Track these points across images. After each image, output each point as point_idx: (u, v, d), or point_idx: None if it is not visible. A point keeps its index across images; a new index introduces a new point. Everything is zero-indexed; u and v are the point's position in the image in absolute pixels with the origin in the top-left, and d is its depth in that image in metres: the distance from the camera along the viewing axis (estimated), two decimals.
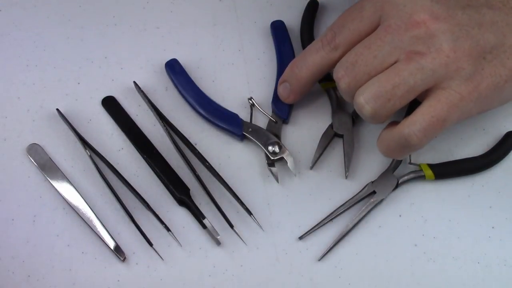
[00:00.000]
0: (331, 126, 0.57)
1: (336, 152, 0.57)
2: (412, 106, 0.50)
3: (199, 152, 0.56)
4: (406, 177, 0.55)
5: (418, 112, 0.48)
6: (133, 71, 0.60)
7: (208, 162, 0.56)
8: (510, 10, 0.50)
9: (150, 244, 0.52)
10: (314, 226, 0.54)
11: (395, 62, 0.48)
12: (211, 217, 0.54)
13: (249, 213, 0.53)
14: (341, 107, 0.58)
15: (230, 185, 0.55)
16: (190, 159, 0.56)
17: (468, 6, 0.49)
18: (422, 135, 0.48)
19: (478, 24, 0.49)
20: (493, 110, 0.58)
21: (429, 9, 0.48)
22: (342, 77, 0.50)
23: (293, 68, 0.55)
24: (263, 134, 0.57)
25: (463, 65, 0.48)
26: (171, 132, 0.57)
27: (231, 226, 0.53)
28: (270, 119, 0.58)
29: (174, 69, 0.59)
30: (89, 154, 0.55)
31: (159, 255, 0.52)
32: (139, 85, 0.58)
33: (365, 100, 0.49)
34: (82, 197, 0.54)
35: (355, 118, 0.58)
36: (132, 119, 0.58)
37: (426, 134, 0.48)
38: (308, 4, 0.62)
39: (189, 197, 0.54)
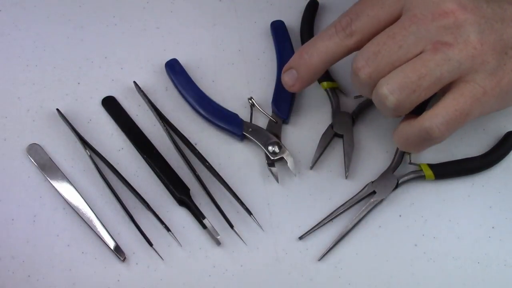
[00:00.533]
0: (331, 126, 0.57)
1: (336, 152, 0.57)
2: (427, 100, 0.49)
3: (199, 152, 0.56)
4: (406, 177, 0.55)
5: (441, 105, 0.47)
6: (133, 71, 0.60)
7: (208, 162, 0.56)
8: None
9: (150, 244, 0.52)
10: (314, 226, 0.54)
11: (420, 53, 0.47)
12: (211, 217, 0.54)
13: (249, 213, 0.54)
14: (341, 107, 0.58)
15: (230, 185, 0.55)
16: (190, 159, 0.56)
17: (492, 0, 0.49)
18: (444, 128, 0.47)
19: (501, 18, 0.48)
20: None
21: (457, 0, 0.48)
22: (363, 67, 0.48)
23: (302, 54, 0.52)
24: (263, 134, 0.57)
25: (488, 59, 0.47)
26: (171, 132, 0.57)
27: (231, 226, 0.53)
28: (270, 119, 0.58)
29: (174, 69, 0.59)
30: (89, 154, 0.55)
31: (159, 255, 0.52)
32: (139, 85, 0.58)
33: (389, 91, 0.47)
34: (82, 197, 0.54)
35: (355, 118, 0.58)
36: (132, 119, 0.58)
37: (449, 127, 0.47)
38: (308, 4, 0.62)
39: (189, 197, 0.54)
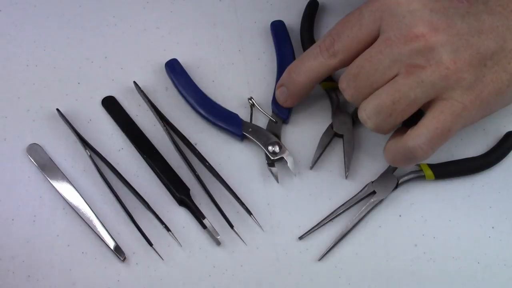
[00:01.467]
0: (331, 126, 0.57)
1: (336, 152, 0.57)
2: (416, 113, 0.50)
3: (199, 152, 0.56)
4: (406, 177, 0.55)
5: (422, 124, 0.48)
6: (133, 71, 0.60)
7: (208, 162, 0.56)
8: (510, 13, 0.49)
9: (150, 244, 0.52)
10: (314, 226, 0.54)
11: (396, 75, 0.48)
12: (211, 217, 0.54)
13: (249, 213, 0.54)
14: (341, 107, 0.58)
15: (230, 185, 0.55)
16: (190, 159, 0.56)
17: (468, 13, 0.49)
18: (427, 148, 0.48)
19: (478, 31, 0.48)
20: None
21: (428, 21, 0.48)
22: (346, 89, 0.51)
23: (291, 72, 0.55)
24: (263, 134, 0.57)
25: (463, 75, 0.47)
26: (171, 132, 0.57)
27: (231, 226, 0.53)
28: (270, 119, 0.58)
29: (174, 69, 0.59)
30: (89, 154, 0.55)
31: (159, 255, 0.52)
32: (139, 85, 0.58)
33: (367, 116, 0.50)
34: (82, 197, 0.54)
35: (355, 118, 0.58)
36: (132, 119, 0.58)
37: (432, 146, 0.48)
38: (308, 4, 0.62)
39: (189, 197, 0.54)
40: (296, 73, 0.54)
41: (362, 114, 0.50)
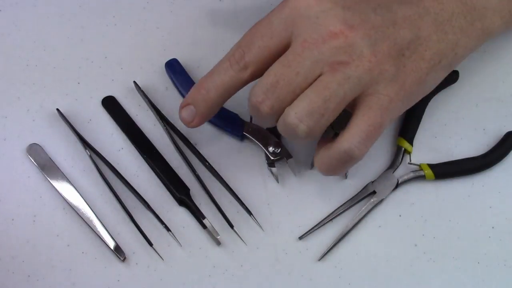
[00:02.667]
0: (331, 126, 0.57)
1: None
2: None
3: (199, 152, 0.56)
4: (406, 177, 0.55)
5: (353, 124, 0.47)
6: (133, 71, 0.60)
7: (208, 162, 0.56)
8: (420, 1, 0.49)
9: (150, 244, 0.52)
10: (314, 226, 0.54)
11: (319, 76, 0.47)
12: (211, 217, 0.54)
13: (249, 213, 0.54)
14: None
15: (230, 185, 0.55)
16: (190, 159, 0.56)
17: (379, 6, 0.49)
18: (363, 146, 0.47)
19: (392, 22, 0.48)
20: (493, 110, 0.59)
21: (343, 18, 0.47)
22: (263, 101, 0.47)
23: (200, 89, 0.51)
24: (263, 134, 0.57)
25: (385, 67, 0.47)
26: (171, 132, 0.57)
27: (231, 226, 0.53)
28: None
29: (174, 69, 0.59)
30: (89, 154, 0.55)
31: (159, 255, 0.52)
32: (139, 85, 0.58)
33: (298, 119, 0.47)
34: (82, 197, 0.54)
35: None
36: (132, 119, 0.58)
37: (366, 143, 0.47)
38: None
39: (189, 197, 0.54)
40: (206, 89, 0.51)
41: (292, 119, 0.47)
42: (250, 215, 0.54)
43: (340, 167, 0.49)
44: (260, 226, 0.54)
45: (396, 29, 0.48)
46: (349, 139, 0.47)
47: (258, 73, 0.49)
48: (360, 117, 0.47)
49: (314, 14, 0.48)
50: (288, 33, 0.48)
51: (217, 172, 0.55)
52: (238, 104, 0.59)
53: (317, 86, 0.47)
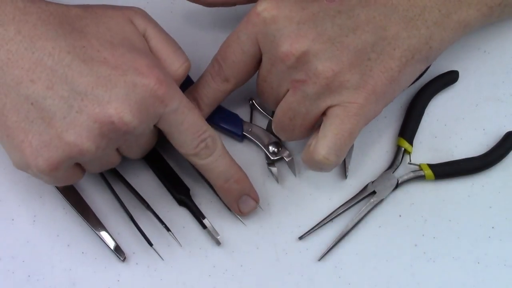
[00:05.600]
0: None
1: None
2: None
3: None
4: (406, 177, 0.55)
5: (321, 135, 0.48)
6: None
7: None
8: (387, 0, 0.49)
9: (150, 244, 0.52)
10: (314, 226, 0.54)
11: (288, 91, 0.49)
12: (211, 217, 0.54)
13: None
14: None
15: None
16: None
17: (339, 13, 0.48)
18: (333, 156, 0.48)
19: (353, 28, 0.48)
20: (493, 110, 0.59)
21: (296, 35, 0.47)
22: (264, 100, 0.53)
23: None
24: (263, 134, 0.57)
25: (345, 78, 0.47)
26: None
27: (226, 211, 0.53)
28: (270, 119, 0.58)
29: None
30: None
31: (159, 255, 0.52)
32: None
33: (275, 131, 0.52)
34: (82, 197, 0.54)
35: None
36: None
37: (337, 152, 0.48)
38: None
39: (189, 197, 0.54)
40: (193, 102, 0.52)
41: (274, 128, 0.52)
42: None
43: (319, 171, 0.51)
44: (242, 221, 0.54)
45: (357, 35, 0.48)
46: (318, 149, 0.48)
47: (240, 83, 0.52)
48: (328, 126, 0.48)
49: (271, 33, 0.48)
50: (256, 47, 0.50)
51: None
52: (238, 104, 0.59)
53: (281, 106, 0.50)
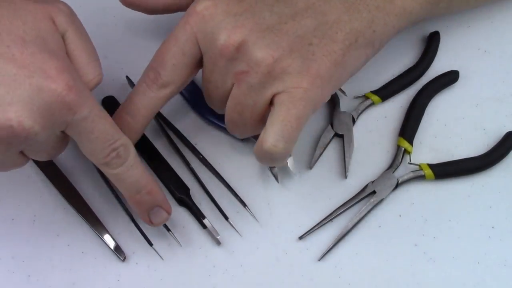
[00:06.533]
0: (331, 126, 0.57)
1: (336, 152, 0.57)
2: None
3: (199, 152, 0.56)
4: (406, 177, 0.55)
5: (269, 123, 0.47)
6: (133, 71, 0.60)
7: (208, 161, 0.56)
8: None
9: (150, 244, 0.52)
10: (314, 226, 0.54)
11: (232, 87, 0.49)
12: (211, 217, 0.54)
13: (244, 204, 0.54)
14: (341, 107, 0.58)
15: (228, 183, 0.55)
16: (190, 159, 0.56)
17: (277, 2, 0.48)
18: (282, 144, 0.47)
19: (291, 16, 0.48)
20: (493, 110, 0.59)
21: (233, 27, 0.47)
22: (212, 104, 0.52)
23: (124, 116, 0.51)
24: None
25: (287, 63, 0.47)
26: (171, 132, 0.57)
27: (226, 218, 0.53)
28: None
29: None
30: None
31: (159, 255, 0.52)
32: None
33: (229, 130, 0.52)
34: (82, 197, 0.54)
35: (355, 118, 0.58)
36: None
37: (286, 140, 0.47)
38: None
39: (189, 197, 0.54)
40: (131, 114, 0.50)
41: (227, 128, 0.52)
42: (244, 207, 0.54)
43: (272, 164, 0.50)
44: (255, 218, 0.54)
45: (296, 21, 0.48)
46: (266, 139, 0.47)
47: (180, 87, 0.51)
48: (275, 115, 0.47)
49: (210, 29, 0.48)
50: (196, 48, 0.49)
51: (216, 171, 0.55)
52: None
53: (230, 102, 0.49)
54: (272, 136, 0.47)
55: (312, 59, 0.47)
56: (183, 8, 0.54)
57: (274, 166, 0.51)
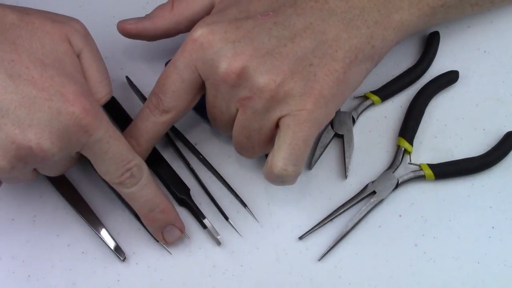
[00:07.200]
0: (331, 126, 0.57)
1: (336, 152, 0.57)
2: None
3: (199, 152, 0.56)
4: (406, 177, 0.55)
5: (276, 147, 0.48)
6: (133, 71, 0.60)
7: (208, 161, 0.56)
8: (324, 4, 0.49)
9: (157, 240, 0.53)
10: (314, 226, 0.54)
11: (237, 112, 0.49)
12: (211, 217, 0.54)
13: (244, 205, 0.54)
14: (341, 107, 0.58)
15: (229, 183, 0.55)
16: (190, 159, 0.56)
17: (275, 24, 0.48)
18: (291, 167, 0.48)
19: (290, 38, 0.48)
20: (493, 110, 0.59)
21: (232, 54, 0.47)
22: (219, 128, 0.53)
23: (129, 140, 0.51)
24: None
25: (290, 86, 0.47)
26: (170, 132, 0.57)
27: (226, 218, 0.53)
28: None
29: None
30: None
31: (167, 249, 0.53)
32: (140, 83, 0.58)
33: (238, 153, 0.52)
34: (82, 197, 0.54)
35: (355, 118, 0.58)
36: (132, 119, 0.58)
37: (295, 162, 0.48)
38: None
39: (189, 197, 0.54)
40: (135, 138, 0.51)
41: (236, 150, 0.52)
42: (244, 207, 0.54)
43: (282, 185, 0.50)
44: (255, 218, 0.54)
45: (295, 43, 0.48)
46: (275, 163, 0.48)
47: (182, 113, 0.51)
48: (281, 138, 0.48)
49: (209, 57, 0.48)
50: (196, 75, 0.49)
51: (216, 171, 0.55)
52: None
53: (236, 126, 0.50)
54: (281, 160, 0.47)
55: (314, 80, 0.47)
56: (182, 31, 0.55)
57: (285, 184, 0.51)
